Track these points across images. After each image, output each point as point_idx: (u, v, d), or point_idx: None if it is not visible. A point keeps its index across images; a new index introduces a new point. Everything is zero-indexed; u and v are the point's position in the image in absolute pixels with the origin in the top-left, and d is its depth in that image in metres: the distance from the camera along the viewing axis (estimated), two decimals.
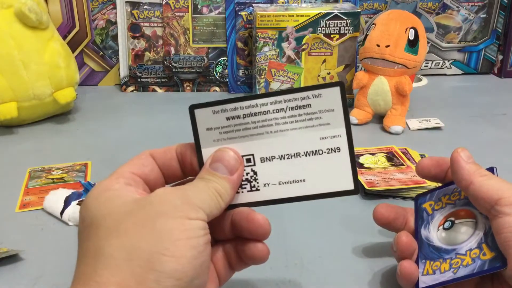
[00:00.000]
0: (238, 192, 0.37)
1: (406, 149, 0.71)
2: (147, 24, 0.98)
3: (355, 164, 0.37)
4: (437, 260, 0.41)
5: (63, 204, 0.57)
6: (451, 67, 1.08)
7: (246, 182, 0.37)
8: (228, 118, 0.36)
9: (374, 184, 0.60)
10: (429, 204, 0.45)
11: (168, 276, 0.28)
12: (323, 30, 0.87)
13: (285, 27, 0.86)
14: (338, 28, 0.87)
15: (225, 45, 0.98)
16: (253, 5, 0.94)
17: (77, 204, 0.58)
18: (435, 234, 0.42)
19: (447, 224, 0.41)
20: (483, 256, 0.38)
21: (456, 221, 0.41)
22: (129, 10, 0.97)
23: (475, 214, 0.40)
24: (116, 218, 0.30)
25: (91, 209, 0.32)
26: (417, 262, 0.42)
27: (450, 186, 0.44)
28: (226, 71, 0.99)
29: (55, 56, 0.82)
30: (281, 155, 0.36)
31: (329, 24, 0.86)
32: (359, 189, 0.38)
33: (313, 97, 0.35)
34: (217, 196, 0.34)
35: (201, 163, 0.37)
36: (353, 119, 0.83)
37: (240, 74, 0.99)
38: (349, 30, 0.87)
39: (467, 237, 0.40)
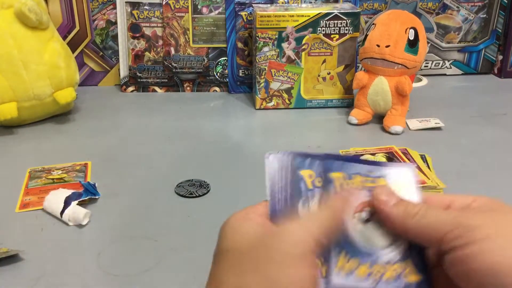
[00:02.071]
0: None
1: (406, 149, 0.71)
2: (147, 24, 0.98)
3: None
4: (354, 257, 0.31)
5: (63, 204, 0.57)
6: (451, 67, 1.08)
7: None
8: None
9: None
10: (308, 175, 0.33)
11: None
12: (323, 30, 0.87)
13: (285, 27, 0.86)
14: (338, 28, 0.87)
15: (225, 45, 0.98)
16: (253, 5, 0.94)
17: (77, 204, 0.58)
18: (348, 222, 0.32)
19: (365, 215, 0.32)
20: (408, 276, 0.31)
21: (372, 218, 0.32)
22: (129, 10, 0.97)
23: None
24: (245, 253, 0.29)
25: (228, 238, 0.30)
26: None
27: (363, 166, 0.33)
28: (226, 71, 0.99)
29: (55, 56, 0.82)
30: None
31: (329, 24, 0.86)
32: None
33: None
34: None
35: None
36: (353, 119, 0.83)
37: (240, 74, 0.99)
38: (349, 30, 0.87)
39: (386, 244, 0.31)
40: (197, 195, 0.62)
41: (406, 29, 0.79)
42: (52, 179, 0.65)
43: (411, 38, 0.78)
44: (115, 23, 0.99)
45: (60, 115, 0.88)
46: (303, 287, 0.27)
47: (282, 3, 0.97)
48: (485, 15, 1.04)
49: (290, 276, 0.27)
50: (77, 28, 0.99)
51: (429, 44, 1.05)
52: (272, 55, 0.88)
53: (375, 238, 0.32)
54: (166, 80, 1.00)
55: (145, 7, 0.97)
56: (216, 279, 0.29)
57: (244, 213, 0.31)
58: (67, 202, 0.57)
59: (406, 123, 0.82)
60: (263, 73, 0.89)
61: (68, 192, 0.59)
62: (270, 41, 0.87)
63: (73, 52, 0.93)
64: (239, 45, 0.98)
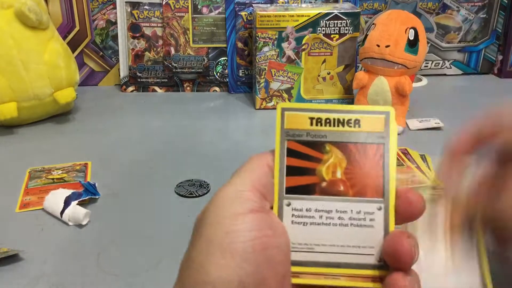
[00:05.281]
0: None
1: (406, 149, 0.71)
2: (147, 24, 0.98)
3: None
4: None
5: (63, 204, 0.57)
6: (451, 67, 1.08)
7: None
8: None
9: None
10: None
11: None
12: (323, 30, 0.87)
13: (285, 27, 0.86)
14: (338, 28, 0.87)
15: (225, 45, 0.98)
16: (253, 5, 0.94)
17: (77, 204, 0.58)
18: None
19: None
20: None
21: None
22: (129, 10, 0.97)
23: None
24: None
25: None
26: None
27: None
28: (226, 71, 0.99)
29: (55, 56, 0.82)
30: None
31: (329, 24, 0.86)
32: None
33: None
34: None
35: None
36: None
37: (240, 74, 0.99)
38: (349, 30, 0.87)
39: None
40: (197, 195, 0.62)
41: (406, 29, 0.79)
42: (52, 179, 0.65)
43: (411, 38, 0.78)
44: (115, 23, 0.99)
45: (60, 115, 0.88)
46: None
47: (282, 3, 0.97)
48: (485, 15, 1.04)
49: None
50: (77, 28, 0.99)
51: (429, 44, 1.05)
52: (272, 55, 0.88)
53: None
54: (166, 80, 1.00)
55: (145, 7, 0.97)
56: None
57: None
58: (67, 202, 0.57)
59: (406, 123, 0.82)
60: (263, 73, 0.89)
61: (68, 192, 0.59)
62: (270, 41, 0.87)
63: (73, 52, 0.93)
64: (239, 45, 0.98)
